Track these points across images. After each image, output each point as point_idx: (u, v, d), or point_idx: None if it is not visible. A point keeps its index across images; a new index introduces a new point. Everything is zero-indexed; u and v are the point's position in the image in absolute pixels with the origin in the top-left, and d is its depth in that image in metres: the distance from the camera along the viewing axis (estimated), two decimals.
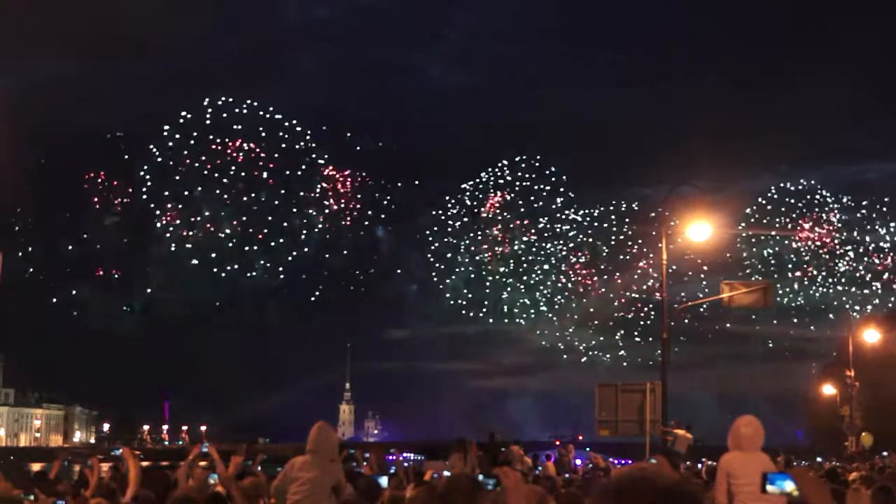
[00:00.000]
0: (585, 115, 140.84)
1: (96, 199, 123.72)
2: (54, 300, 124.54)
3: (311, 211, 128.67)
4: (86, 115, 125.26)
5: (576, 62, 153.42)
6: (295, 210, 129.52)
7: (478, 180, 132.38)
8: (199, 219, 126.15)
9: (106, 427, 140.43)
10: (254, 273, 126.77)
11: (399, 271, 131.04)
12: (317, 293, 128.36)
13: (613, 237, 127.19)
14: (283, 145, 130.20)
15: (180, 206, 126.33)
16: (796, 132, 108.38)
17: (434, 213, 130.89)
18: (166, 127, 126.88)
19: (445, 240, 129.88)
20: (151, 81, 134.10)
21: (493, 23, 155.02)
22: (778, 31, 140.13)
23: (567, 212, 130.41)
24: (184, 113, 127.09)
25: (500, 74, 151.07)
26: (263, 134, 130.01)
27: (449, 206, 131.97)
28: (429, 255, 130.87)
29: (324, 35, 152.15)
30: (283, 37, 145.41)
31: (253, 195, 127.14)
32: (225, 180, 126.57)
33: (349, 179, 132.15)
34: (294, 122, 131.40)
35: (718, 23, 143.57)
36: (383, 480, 10.33)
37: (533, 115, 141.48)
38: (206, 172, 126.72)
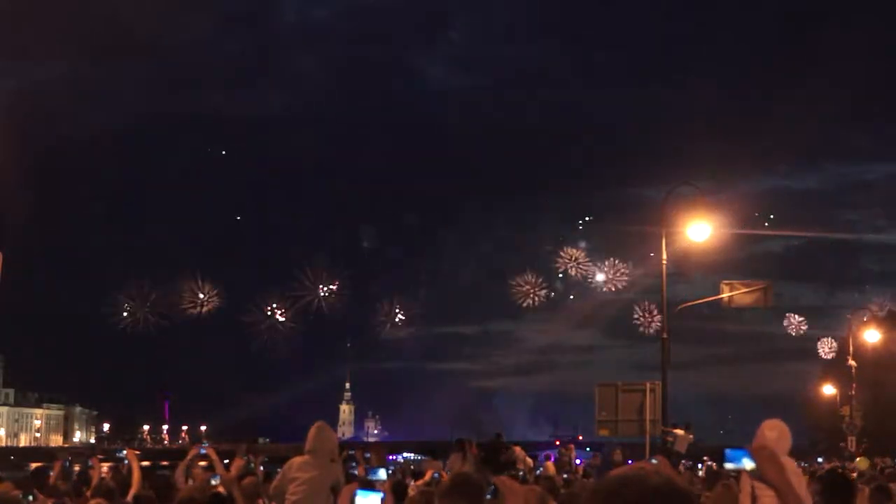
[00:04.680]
0: (585, 115, 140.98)
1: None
2: (54, 300, 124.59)
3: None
4: (86, 116, 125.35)
5: (575, 63, 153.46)
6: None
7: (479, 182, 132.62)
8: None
9: (106, 427, 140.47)
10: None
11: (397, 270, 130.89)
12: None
13: (613, 237, 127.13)
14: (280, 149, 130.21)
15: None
16: (796, 132, 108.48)
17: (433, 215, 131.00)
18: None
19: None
20: (151, 81, 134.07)
21: (493, 24, 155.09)
22: (778, 31, 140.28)
23: (566, 212, 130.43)
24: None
25: (500, 75, 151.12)
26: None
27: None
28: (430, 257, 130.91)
29: (323, 35, 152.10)
30: (283, 37, 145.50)
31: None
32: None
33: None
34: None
35: (718, 22, 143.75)
36: (381, 473, 10.32)
37: (533, 116, 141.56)
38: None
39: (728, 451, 4.41)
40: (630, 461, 19.30)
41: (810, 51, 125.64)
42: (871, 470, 32.28)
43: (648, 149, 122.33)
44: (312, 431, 9.70)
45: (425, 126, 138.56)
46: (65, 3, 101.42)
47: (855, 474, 18.17)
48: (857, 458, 35.21)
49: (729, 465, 4.38)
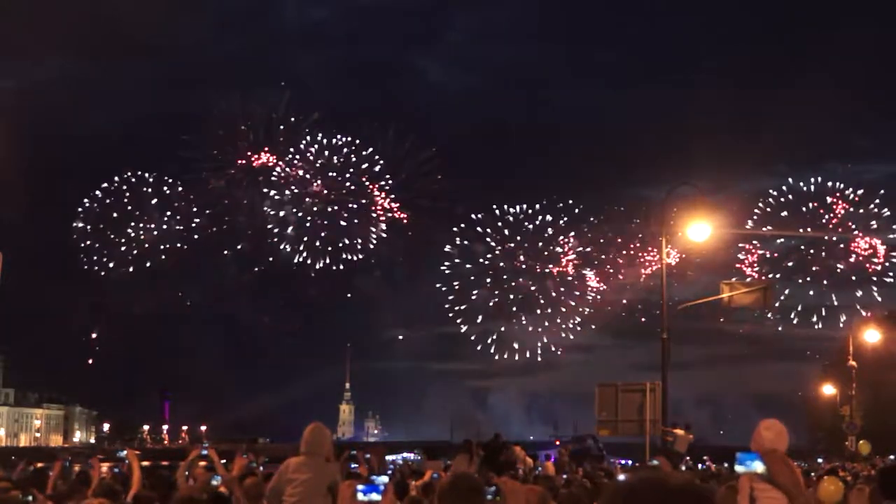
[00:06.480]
0: (584, 115, 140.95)
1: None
2: (54, 299, 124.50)
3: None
4: (86, 116, 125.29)
5: (575, 62, 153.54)
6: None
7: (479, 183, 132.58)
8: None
9: (106, 427, 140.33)
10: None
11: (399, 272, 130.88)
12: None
13: (613, 238, 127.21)
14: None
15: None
16: (796, 132, 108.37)
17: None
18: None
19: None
20: (151, 81, 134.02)
21: (492, 24, 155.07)
22: (777, 31, 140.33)
23: (566, 212, 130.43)
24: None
25: (500, 75, 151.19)
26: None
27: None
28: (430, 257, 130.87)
29: (323, 35, 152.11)
30: (283, 37, 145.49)
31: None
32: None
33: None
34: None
35: (717, 22, 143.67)
36: (382, 480, 10.31)
37: (532, 116, 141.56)
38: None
39: (740, 454, 4.44)
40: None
41: (811, 51, 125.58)
42: (872, 458, 32.27)
43: (648, 149, 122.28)
44: (307, 432, 9.69)
45: (425, 126, 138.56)
46: (65, 3, 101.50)
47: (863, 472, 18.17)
48: (861, 442, 35.12)
49: (740, 468, 4.40)
